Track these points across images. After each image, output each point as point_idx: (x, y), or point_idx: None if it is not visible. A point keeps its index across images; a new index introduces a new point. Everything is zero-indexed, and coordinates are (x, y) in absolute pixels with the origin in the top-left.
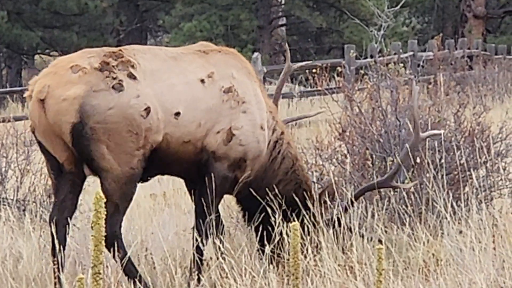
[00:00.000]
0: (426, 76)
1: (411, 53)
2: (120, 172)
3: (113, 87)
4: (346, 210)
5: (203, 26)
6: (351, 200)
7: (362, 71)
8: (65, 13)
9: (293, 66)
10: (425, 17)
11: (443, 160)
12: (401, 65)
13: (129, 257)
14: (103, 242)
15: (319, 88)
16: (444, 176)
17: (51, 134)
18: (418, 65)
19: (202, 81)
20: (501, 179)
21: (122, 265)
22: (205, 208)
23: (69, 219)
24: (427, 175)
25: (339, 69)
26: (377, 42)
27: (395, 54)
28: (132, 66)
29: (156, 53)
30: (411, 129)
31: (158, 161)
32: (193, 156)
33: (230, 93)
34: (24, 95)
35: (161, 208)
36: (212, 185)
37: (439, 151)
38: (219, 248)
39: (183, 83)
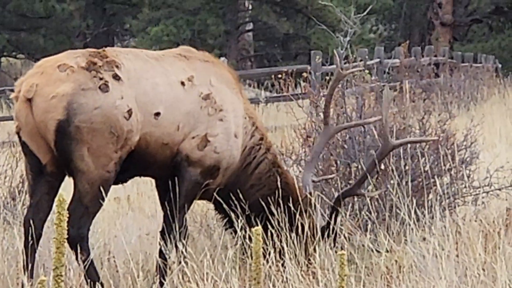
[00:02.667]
0: (392, 83)
1: (378, 60)
2: (96, 175)
3: (99, 88)
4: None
5: (170, 31)
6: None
7: (328, 77)
8: (32, 16)
9: (344, 72)
10: (392, 24)
11: (407, 167)
12: (367, 71)
13: (91, 260)
14: (65, 244)
15: (285, 94)
16: (409, 183)
17: (37, 134)
18: (385, 72)
19: (183, 83)
20: (465, 187)
21: (84, 268)
22: (174, 212)
23: (43, 221)
24: (391, 181)
25: (305, 75)
26: (344, 49)
27: (361, 60)
28: (117, 67)
29: (137, 54)
30: (379, 136)
31: (137, 162)
32: (170, 160)
33: (208, 100)
34: (11, 96)
35: (125, 212)
36: (183, 189)
37: (403, 157)
38: (182, 252)
39: (165, 84)
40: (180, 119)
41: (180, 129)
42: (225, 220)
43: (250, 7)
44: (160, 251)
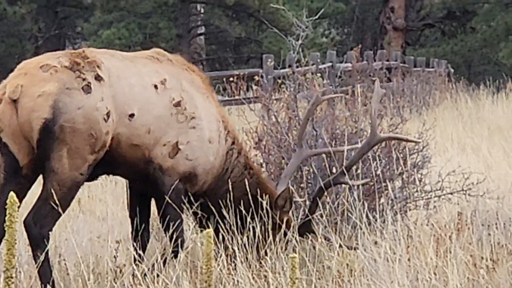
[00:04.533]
0: (344, 87)
1: (330, 64)
2: (68, 176)
3: (82, 88)
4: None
5: (122, 34)
6: (315, 201)
7: (280, 81)
8: None
9: (323, 98)
10: (345, 28)
11: (359, 171)
12: (319, 75)
13: (48, 262)
14: (15, 246)
15: (237, 97)
16: (360, 187)
17: (20, 135)
18: (337, 76)
19: (156, 86)
20: (416, 191)
21: (38, 267)
22: (168, 216)
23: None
24: (343, 185)
25: (256, 78)
26: (296, 52)
27: (313, 64)
28: (98, 67)
29: (113, 54)
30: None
31: (108, 160)
32: (142, 164)
33: (179, 107)
34: None
35: (76, 215)
36: (165, 198)
37: None
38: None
39: (140, 85)
40: (152, 122)
41: (151, 132)
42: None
43: (202, 10)
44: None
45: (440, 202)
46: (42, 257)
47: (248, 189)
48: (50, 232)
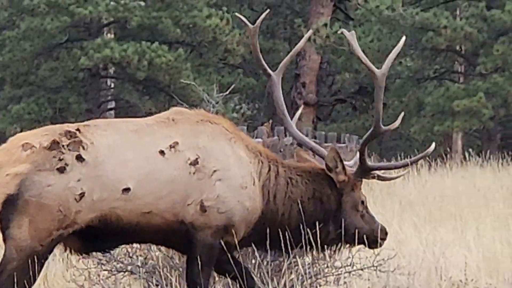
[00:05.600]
0: None
1: None
2: (26, 244)
3: (57, 168)
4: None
5: (31, 109)
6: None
7: None
8: None
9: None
10: (256, 103)
11: (267, 247)
12: None
13: None
14: None
15: None
16: (269, 263)
17: None
18: None
19: (162, 152)
20: (327, 266)
21: None
22: (197, 277)
23: None
24: (252, 261)
25: None
26: None
27: None
28: (83, 147)
29: (118, 127)
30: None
31: (116, 232)
32: (166, 226)
33: (196, 165)
34: None
35: None
36: (198, 255)
37: None
38: None
39: (139, 158)
40: (160, 188)
41: (164, 197)
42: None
43: (112, 85)
44: None
45: (350, 278)
46: None
47: (306, 196)
48: None
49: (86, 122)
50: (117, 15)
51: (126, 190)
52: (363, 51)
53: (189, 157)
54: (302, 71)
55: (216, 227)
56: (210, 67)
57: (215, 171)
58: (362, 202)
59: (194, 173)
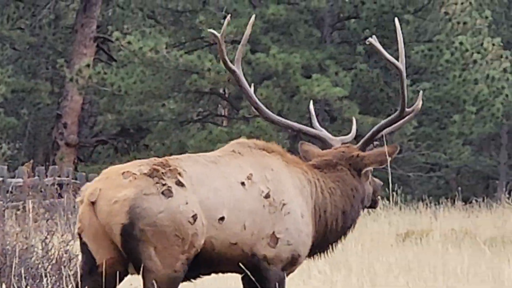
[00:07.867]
0: (15, 202)
1: (1, 179)
2: (163, 274)
3: (162, 193)
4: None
5: None
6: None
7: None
8: None
9: None
10: (16, 143)
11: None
12: None
13: None
14: None
15: None
16: None
17: (101, 236)
18: (8, 191)
19: (243, 183)
20: None
21: None
22: None
23: None
24: None
25: None
26: None
27: None
28: (179, 174)
29: (197, 160)
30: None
31: (205, 262)
32: (243, 260)
33: (269, 198)
34: (77, 200)
35: None
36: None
37: (25, 277)
38: None
39: (226, 187)
40: (245, 218)
41: (247, 227)
42: None
43: None
44: None
45: None
46: None
47: (344, 199)
48: None
49: (165, 158)
50: None
51: (221, 219)
52: (125, 92)
53: (263, 190)
54: (64, 111)
55: (286, 260)
56: None
57: (284, 204)
58: (366, 166)
59: (267, 206)
